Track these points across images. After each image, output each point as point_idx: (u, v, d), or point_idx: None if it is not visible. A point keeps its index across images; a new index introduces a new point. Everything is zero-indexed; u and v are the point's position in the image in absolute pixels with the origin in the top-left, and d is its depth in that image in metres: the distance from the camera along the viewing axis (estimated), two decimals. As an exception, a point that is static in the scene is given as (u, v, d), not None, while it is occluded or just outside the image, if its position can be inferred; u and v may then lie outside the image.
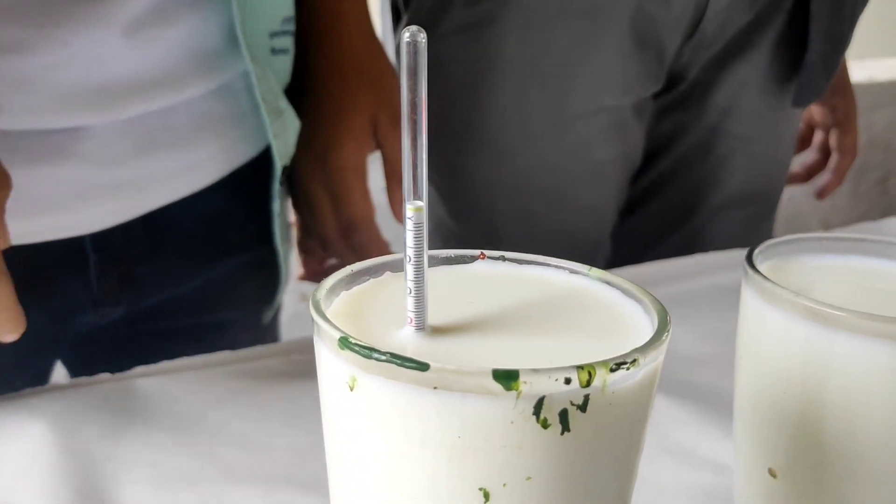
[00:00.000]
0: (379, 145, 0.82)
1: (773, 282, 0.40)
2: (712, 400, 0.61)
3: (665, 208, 1.06)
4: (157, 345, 0.75)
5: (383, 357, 0.27)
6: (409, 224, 0.31)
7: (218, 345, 0.68)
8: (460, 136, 0.95)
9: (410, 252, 0.31)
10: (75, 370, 0.82)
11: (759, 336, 0.42)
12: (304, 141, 0.79)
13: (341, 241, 0.82)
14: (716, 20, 0.93)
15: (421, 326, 0.31)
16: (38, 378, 0.76)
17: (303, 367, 0.64)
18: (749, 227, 1.08)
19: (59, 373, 0.82)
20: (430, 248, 0.32)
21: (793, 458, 0.41)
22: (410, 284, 0.31)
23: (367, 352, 0.27)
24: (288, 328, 0.97)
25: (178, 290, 0.77)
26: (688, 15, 0.92)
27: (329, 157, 0.80)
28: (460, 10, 0.91)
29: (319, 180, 0.81)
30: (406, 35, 0.29)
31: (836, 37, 0.96)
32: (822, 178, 1.17)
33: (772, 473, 0.42)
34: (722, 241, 1.00)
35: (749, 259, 0.42)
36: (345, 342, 0.28)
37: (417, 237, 0.31)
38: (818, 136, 1.17)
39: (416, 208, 0.30)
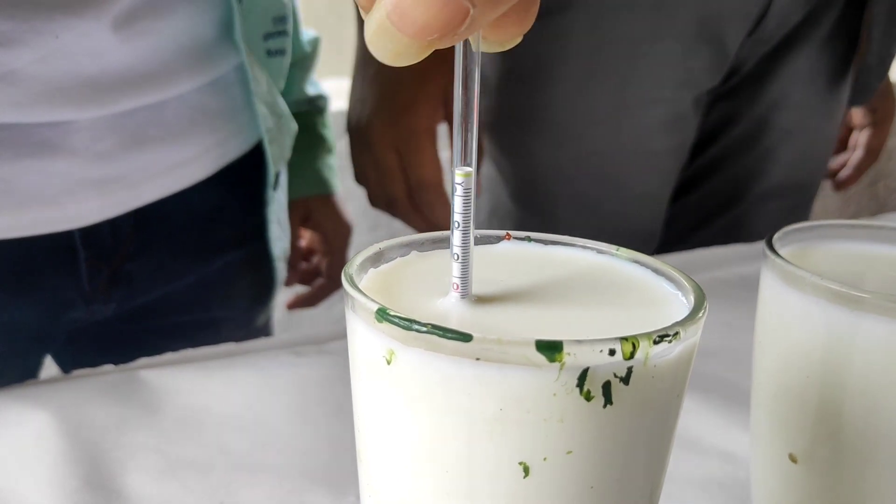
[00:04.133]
0: (447, 117, 0.88)
1: (795, 265, 0.40)
2: (720, 391, 0.61)
3: (709, 196, 1.08)
4: (150, 342, 0.74)
5: (424, 328, 0.26)
6: (459, 189, 0.30)
7: (211, 343, 0.67)
8: (525, 118, 0.98)
9: (458, 218, 0.30)
10: (66, 366, 0.81)
11: (779, 320, 0.42)
12: (379, 106, 0.87)
13: (408, 200, 0.88)
14: (778, 15, 0.95)
15: (466, 293, 0.31)
16: (27, 373, 0.75)
17: (309, 359, 0.64)
18: (787, 217, 1.09)
19: (51, 369, 0.81)
20: (487, 228, 0.31)
21: (814, 442, 0.41)
22: (457, 250, 0.30)
23: (407, 323, 0.27)
24: (284, 328, 0.97)
25: (171, 286, 0.76)
26: (754, 11, 0.93)
27: (404, 120, 0.87)
28: None
29: (390, 143, 0.87)
30: None
31: (891, 40, 0.98)
32: (842, 173, 1.22)
33: (792, 459, 0.42)
34: (761, 230, 1.02)
35: (769, 244, 0.42)
36: (383, 314, 0.27)
37: (465, 203, 0.30)
38: (854, 137, 1.22)
39: (464, 174, 0.30)
